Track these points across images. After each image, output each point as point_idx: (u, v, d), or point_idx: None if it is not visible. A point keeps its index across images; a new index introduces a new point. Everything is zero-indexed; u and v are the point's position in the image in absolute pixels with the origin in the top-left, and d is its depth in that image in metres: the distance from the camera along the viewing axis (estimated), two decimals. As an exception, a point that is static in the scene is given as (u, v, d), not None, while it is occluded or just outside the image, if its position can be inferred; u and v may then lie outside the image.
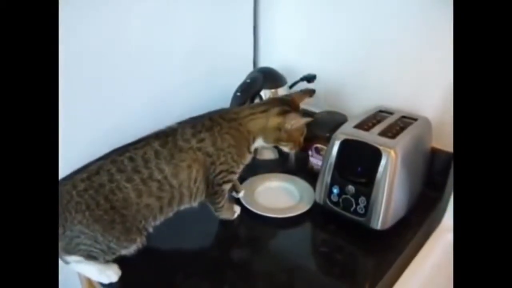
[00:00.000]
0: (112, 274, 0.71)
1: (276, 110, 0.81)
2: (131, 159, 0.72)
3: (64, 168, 0.72)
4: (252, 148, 0.83)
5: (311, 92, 0.91)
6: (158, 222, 0.76)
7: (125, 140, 0.76)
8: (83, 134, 0.86)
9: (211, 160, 0.77)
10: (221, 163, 0.78)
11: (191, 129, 0.76)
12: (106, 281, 0.70)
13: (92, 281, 0.82)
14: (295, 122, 0.80)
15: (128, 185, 0.70)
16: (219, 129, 0.77)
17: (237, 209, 0.87)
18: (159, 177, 0.72)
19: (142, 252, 0.74)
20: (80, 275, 0.86)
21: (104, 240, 0.69)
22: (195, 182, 0.76)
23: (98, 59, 0.84)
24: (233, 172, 0.80)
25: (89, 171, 0.70)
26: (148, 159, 0.72)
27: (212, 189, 0.79)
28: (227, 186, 0.81)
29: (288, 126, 0.80)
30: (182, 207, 0.78)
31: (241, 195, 0.91)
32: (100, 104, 0.88)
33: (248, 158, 0.83)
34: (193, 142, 0.75)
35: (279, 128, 0.81)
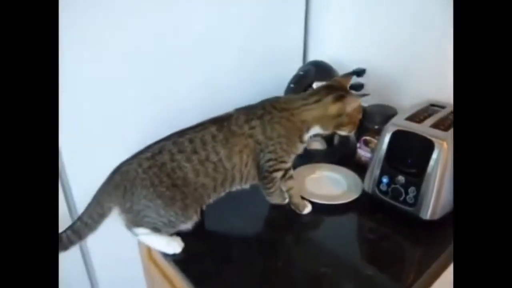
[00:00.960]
0: (177, 246, 0.76)
1: (330, 98, 0.81)
2: (191, 140, 0.77)
3: (128, 149, 0.79)
4: (306, 137, 0.84)
5: (353, 74, 0.91)
6: (211, 201, 0.81)
7: (184, 125, 0.81)
8: (148, 117, 0.93)
9: (260, 147, 0.80)
10: (269, 152, 0.80)
11: (244, 116, 0.80)
12: (171, 251, 0.76)
13: (151, 254, 0.90)
14: (354, 104, 0.82)
15: (187, 164, 0.76)
16: (270, 118, 0.80)
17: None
18: (215, 159, 0.77)
19: (200, 229, 0.80)
20: (140, 248, 0.94)
21: (166, 213, 0.75)
22: (246, 165, 0.80)
23: (163, 52, 0.91)
24: (283, 162, 0.82)
25: (153, 151, 0.76)
26: (206, 141, 0.77)
27: (262, 175, 0.83)
28: (277, 174, 0.83)
29: (349, 109, 0.81)
30: (234, 188, 0.83)
31: (306, 211, 0.87)
32: (163, 92, 0.95)
33: (300, 148, 0.84)
34: (245, 129, 0.79)
35: (339, 114, 0.82)
